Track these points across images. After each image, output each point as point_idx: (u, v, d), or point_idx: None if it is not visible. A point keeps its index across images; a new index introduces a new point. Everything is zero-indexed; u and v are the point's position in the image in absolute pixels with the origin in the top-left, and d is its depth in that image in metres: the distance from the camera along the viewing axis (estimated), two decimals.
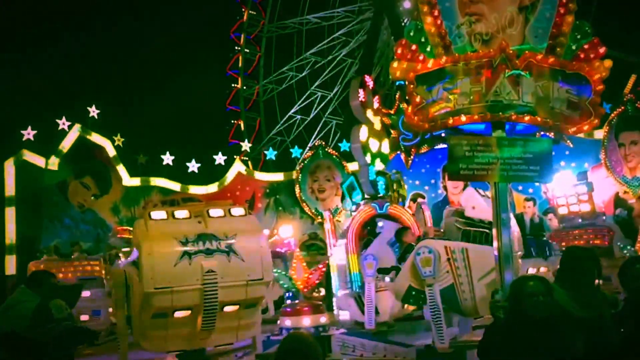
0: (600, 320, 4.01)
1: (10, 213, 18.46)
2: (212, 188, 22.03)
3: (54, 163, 19.78)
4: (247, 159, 26.05)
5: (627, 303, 4.48)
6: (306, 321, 9.90)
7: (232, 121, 34.87)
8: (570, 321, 3.74)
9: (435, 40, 7.36)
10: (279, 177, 22.36)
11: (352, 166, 19.69)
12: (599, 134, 16.83)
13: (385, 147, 11.69)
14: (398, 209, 12.00)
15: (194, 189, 21.97)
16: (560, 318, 3.72)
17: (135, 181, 21.38)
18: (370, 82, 12.28)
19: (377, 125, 12.05)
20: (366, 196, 12.70)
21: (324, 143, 21.71)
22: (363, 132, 12.01)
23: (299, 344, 3.28)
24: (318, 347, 3.31)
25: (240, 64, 35.08)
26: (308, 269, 10.46)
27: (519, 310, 3.74)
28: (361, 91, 11.97)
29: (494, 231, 7.35)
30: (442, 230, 10.58)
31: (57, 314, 3.08)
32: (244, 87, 35.21)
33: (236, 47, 35.07)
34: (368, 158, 12.18)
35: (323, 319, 10.08)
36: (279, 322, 10.49)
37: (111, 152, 20.97)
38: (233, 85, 35.06)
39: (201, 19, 35.25)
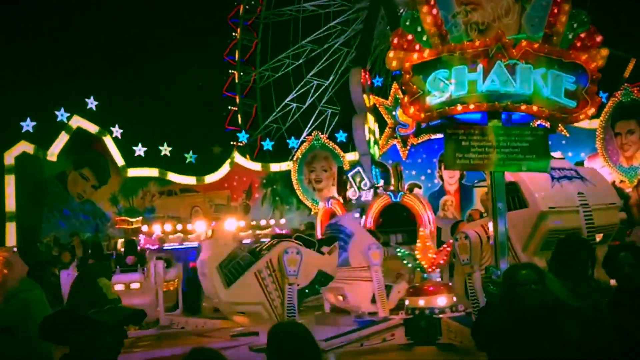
0: (594, 309, 3.98)
1: (10, 204, 18.52)
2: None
3: (52, 154, 19.80)
4: (242, 144, 25.97)
5: (618, 291, 4.46)
6: (421, 302, 9.38)
7: (229, 107, 34.81)
8: (564, 310, 3.73)
9: (432, 29, 7.33)
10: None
11: (349, 156, 19.70)
12: (595, 123, 16.88)
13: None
14: (411, 198, 12.04)
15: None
16: (553, 307, 3.70)
17: (136, 171, 21.48)
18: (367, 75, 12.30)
19: (373, 116, 12.07)
20: (370, 185, 12.60)
21: (324, 136, 21.44)
22: (365, 121, 12.01)
23: (284, 336, 2.98)
24: (305, 334, 3.09)
25: (237, 53, 34.96)
26: (433, 249, 10.00)
27: (511, 298, 3.75)
28: (361, 82, 11.99)
29: (491, 224, 7.33)
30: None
31: (108, 294, 2.91)
32: (241, 74, 35.10)
33: (233, 34, 34.91)
34: (370, 148, 12.20)
35: (440, 301, 9.35)
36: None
37: (109, 143, 20.98)
38: (230, 71, 34.95)
39: (198, 6, 35.06)
